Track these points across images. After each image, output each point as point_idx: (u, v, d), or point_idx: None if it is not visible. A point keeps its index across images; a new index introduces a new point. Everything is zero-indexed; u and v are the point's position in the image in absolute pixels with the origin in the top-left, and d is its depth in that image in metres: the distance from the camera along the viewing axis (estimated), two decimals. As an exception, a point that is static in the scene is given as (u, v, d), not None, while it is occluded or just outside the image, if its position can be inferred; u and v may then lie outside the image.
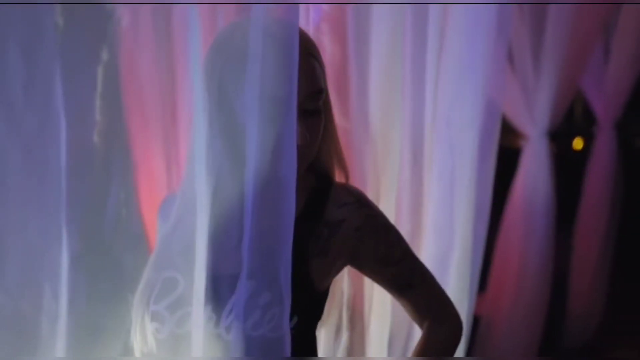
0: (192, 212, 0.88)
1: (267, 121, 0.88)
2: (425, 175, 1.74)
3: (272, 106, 0.89)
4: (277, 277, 0.92)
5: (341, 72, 1.63)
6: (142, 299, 0.98)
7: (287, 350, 0.96)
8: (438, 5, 1.71)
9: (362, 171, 1.58)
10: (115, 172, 0.80)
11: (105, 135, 0.79)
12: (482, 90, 1.79)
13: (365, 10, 1.64)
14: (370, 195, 1.43)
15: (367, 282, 1.51)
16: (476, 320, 2.29)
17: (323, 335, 1.40)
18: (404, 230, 1.66)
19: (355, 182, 1.42)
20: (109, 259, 0.81)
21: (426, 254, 1.78)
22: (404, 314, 1.32)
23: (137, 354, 0.95)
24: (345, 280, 1.42)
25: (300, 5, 1.33)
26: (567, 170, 3.47)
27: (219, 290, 0.96)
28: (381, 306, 1.54)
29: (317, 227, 1.14)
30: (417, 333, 1.42)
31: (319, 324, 1.20)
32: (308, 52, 1.06)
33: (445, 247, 1.77)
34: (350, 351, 1.43)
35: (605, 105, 3.39)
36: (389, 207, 1.58)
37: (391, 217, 1.59)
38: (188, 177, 0.97)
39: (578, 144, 5.23)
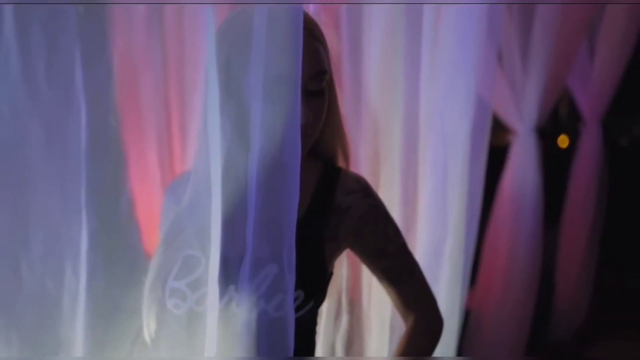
0: (206, 192, 0.88)
1: (271, 102, 0.89)
2: (420, 167, 1.78)
3: (277, 87, 0.89)
4: (281, 259, 0.93)
5: (337, 67, 1.67)
6: (160, 275, 1.00)
7: (291, 331, 0.97)
8: (431, 5, 1.75)
9: (362, 161, 1.61)
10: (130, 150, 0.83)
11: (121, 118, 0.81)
12: (474, 85, 1.83)
13: (361, 7, 1.68)
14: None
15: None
16: (466, 315, 2.32)
17: (324, 319, 1.43)
18: (399, 221, 1.70)
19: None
20: (125, 240, 0.83)
21: (420, 244, 1.82)
22: None
23: (148, 328, 0.97)
24: (344, 265, 1.45)
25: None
26: (553, 168, 3.50)
27: (229, 270, 0.97)
28: (380, 290, 1.56)
29: (327, 213, 1.17)
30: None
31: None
32: (312, 34, 1.07)
33: (439, 238, 1.81)
34: (350, 334, 1.46)
35: (591, 103, 3.43)
36: (389, 197, 1.62)
37: (392, 208, 1.63)
38: (199, 157, 0.97)
39: (563, 141, 5.29)
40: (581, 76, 3.33)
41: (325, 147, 1.22)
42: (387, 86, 1.70)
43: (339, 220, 1.18)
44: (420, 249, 1.78)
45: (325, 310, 1.45)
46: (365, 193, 1.22)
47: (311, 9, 1.64)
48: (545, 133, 3.17)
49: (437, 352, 1.84)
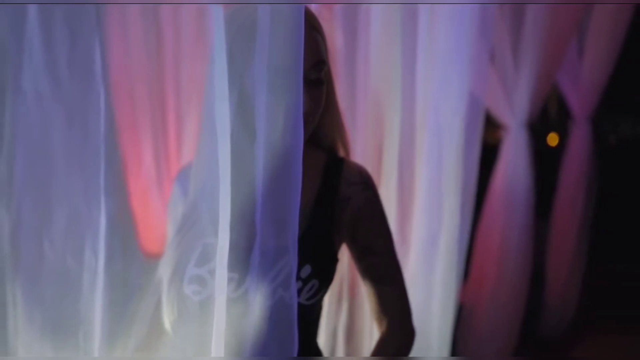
0: (218, 180, 0.89)
1: (274, 91, 0.91)
2: (416, 160, 1.82)
3: (280, 77, 0.91)
4: (286, 245, 0.94)
5: (334, 63, 1.70)
6: (180, 262, 1.01)
7: (294, 316, 0.97)
8: (427, 6, 1.79)
9: (359, 155, 1.65)
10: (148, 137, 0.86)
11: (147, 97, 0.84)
12: (467, 82, 1.88)
13: (356, 6, 1.72)
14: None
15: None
16: (459, 309, 2.35)
17: (326, 305, 1.45)
18: (396, 213, 1.74)
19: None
20: (142, 221, 0.86)
21: (416, 236, 1.86)
22: None
23: (167, 315, 0.98)
24: (344, 251, 1.47)
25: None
26: (543, 166, 3.53)
27: (244, 258, 0.97)
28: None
29: (333, 204, 1.21)
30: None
31: None
32: (311, 25, 1.11)
33: (435, 229, 1.85)
34: (351, 320, 1.48)
35: (580, 101, 3.47)
36: (387, 190, 1.65)
37: (389, 201, 1.67)
38: (205, 146, 0.99)
39: (553, 139, 5.33)
40: (570, 74, 3.37)
41: (325, 136, 1.25)
42: (384, 83, 1.74)
43: (340, 210, 1.21)
44: (416, 239, 1.83)
45: (327, 296, 1.47)
46: (366, 185, 1.24)
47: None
48: (535, 131, 3.20)
49: (432, 345, 1.89)
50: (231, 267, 0.93)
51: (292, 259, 0.95)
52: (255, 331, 0.93)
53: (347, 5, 1.78)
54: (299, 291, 1.10)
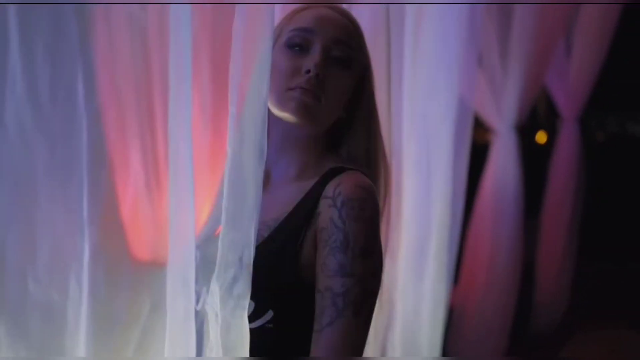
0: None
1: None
2: (404, 167, 1.81)
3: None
4: (240, 262, 0.92)
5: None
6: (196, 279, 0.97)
7: (244, 340, 0.93)
8: (413, 8, 1.78)
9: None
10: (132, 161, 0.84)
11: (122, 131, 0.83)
12: (455, 87, 1.87)
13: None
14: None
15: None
16: (450, 312, 2.34)
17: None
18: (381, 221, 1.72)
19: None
20: (126, 252, 0.85)
21: (405, 244, 1.84)
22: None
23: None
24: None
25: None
26: (531, 164, 3.54)
27: (206, 272, 0.96)
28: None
29: (306, 218, 1.07)
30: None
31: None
32: (344, 14, 1.14)
33: (424, 236, 1.84)
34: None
35: (568, 101, 3.48)
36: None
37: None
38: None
39: (541, 137, 5.35)
40: (558, 74, 3.38)
41: (352, 147, 1.15)
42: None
43: (308, 227, 1.06)
44: (405, 247, 1.82)
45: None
46: (334, 202, 1.04)
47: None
48: (524, 129, 3.20)
49: (422, 350, 1.88)
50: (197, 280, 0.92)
51: (242, 283, 0.92)
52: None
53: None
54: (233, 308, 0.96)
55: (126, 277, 0.86)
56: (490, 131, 3.01)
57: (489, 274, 3.03)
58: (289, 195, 1.11)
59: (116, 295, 0.85)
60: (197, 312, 0.96)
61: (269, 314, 1.03)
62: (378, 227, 1.07)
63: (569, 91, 3.43)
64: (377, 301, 1.05)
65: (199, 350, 0.93)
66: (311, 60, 1.08)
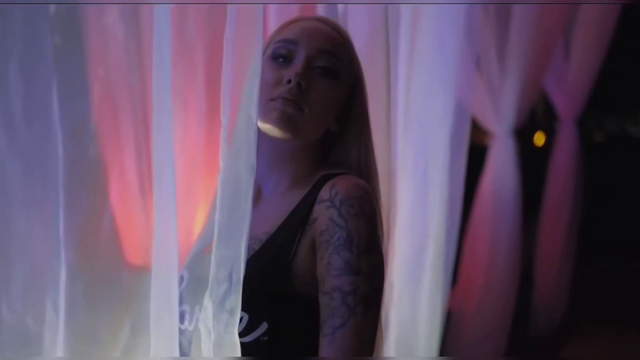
0: None
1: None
2: (398, 175, 1.78)
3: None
4: (230, 277, 0.92)
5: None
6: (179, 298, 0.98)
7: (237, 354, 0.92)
8: (409, 10, 1.75)
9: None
10: (112, 179, 0.81)
11: (102, 147, 0.80)
12: (452, 91, 1.84)
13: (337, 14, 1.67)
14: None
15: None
16: (447, 315, 2.33)
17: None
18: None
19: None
20: (106, 270, 0.82)
21: (401, 252, 1.81)
22: None
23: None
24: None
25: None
26: (529, 166, 3.52)
27: (198, 289, 0.97)
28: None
29: (300, 226, 1.05)
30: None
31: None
32: (332, 27, 1.14)
33: (420, 245, 1.81)
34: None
35: (567, 103, 3.47)
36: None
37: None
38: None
39: (540, 139, 5.33)
40: (557, 76, 3.36)
41: (344, 158, 1.13)
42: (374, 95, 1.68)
43: (303, 234, 1.04)
44: (401, 255, 1.78)
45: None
46: (332, 203, 1.02)
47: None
48: (522, 131, 3.18)
49: (419, 354, 1.86)
50: (186, 299, 0.92)
51: (234, 297, 0.92)
52: None
53: (327, 13, 1.73)
54: (226, 323, 0.95)
55: (106, 298, 0.83)
56: (488, 135, 2.99)
57: (487, 277, 3.02)
58: (281, 207, 1.09)
59: (95, 318, 0.82)
60: (186, 332, 0.96)
61: (264, 327, 1.01)
62: (377, 224, 1.06)
63: (568, 93, 3.42)
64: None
65: None
66: (293, 70, 1.07)
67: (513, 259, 3.06)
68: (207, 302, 0.92)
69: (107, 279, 0.82)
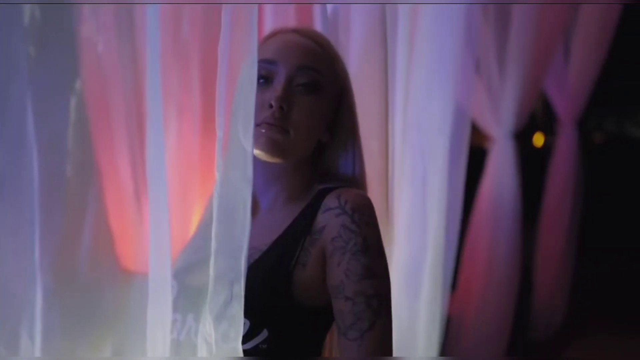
0: None
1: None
2: (396, 181, 1.73)
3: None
4: (231, 285, 0.91)
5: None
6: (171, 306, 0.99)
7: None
8: (407, 11, 1.70)
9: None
10: (90, 202, 0.77)
11: (80, 166, 0.75)
12: (452, 95, 1.80)
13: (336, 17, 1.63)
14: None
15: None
16: (447, 320, 2.30)
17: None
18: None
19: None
20: (84, 294, 0.77)
21: (399, 258, 1.77)
22: None
23: None
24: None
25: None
26: (529, 168, 3.50)
27: (190, 299, 0.97)
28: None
29: (303, 235, 1.06)
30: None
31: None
32: (312, 37, 1.12)
33: (418, 252, 1.77)
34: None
35: (567, 104, 3.44)
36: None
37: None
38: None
39: (539, 140, 5.31)
40: (557, 78, 3.34)
41: (335, 167, 1.15)
42: (361, 99, 1.64)
43: (311, 243, 1.06)
44: (399, 263, 1.74)
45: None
46: (342, 210, 1.04)
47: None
48: (521, 132, 3.15)
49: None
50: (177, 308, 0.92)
51: (235, 305, 0.92)
52: None
53: (324, 16, 1.69)
54: (226, 331, 0.95)
55: (84, 323, 0.79)
56: (487, 138, 2.96)
57: (487, 281, 3.01)
58: (280, 220, 1.10)
59: (73, 344, 0.77)
60: (179, 342, 0.96)
61: (264, 334, 1.02)
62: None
63: (568, 95, 3.40)
64: None
65: None
66: (273, 93, 1.07)
67: (513, 263, 3.04)
68: (207, 314, 0.92)
69: (85, 302, 0.77)
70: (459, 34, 1.83)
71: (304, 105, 1.08)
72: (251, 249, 0.99)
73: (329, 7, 1.53)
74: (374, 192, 1.66)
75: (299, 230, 1.07)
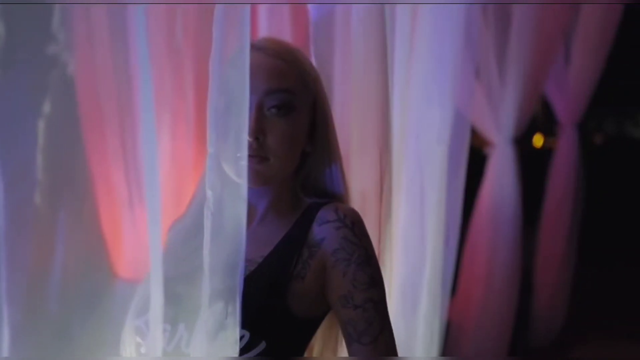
0: None
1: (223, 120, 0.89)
2: (394, 192, 1.68)
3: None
4: (227, 296, 0.92)
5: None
6: (132, 312, 1.02)
7: None
8: (406, 17, 1.65)
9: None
10: (60, 232, 0.71)
11: (49, 194, 0.69)
12: (451, 102, 1.75)
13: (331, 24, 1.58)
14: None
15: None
16: (447, 326, 2.27)
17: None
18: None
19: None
20: (55, 330, 0.72)
21: (397, 272, 1.72)
22: None
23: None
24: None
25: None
26: (527, 169, 3.48)
27: (180, 308, 0.98)
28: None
29: (299, 247, 1.08)
30: None
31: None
32: (276, 54, 1.09)
33: (416, 266, 1.72)
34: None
35: (567, 107, 3.41)
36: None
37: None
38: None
39: (538, 141, 5.29)
40: (557, 81, 3.32)
41: (318, 180, 1.16)
42: (358, 107, 1.59)
43: (309, 256, 1.08)
44: (397, 278, 1.69)
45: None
46: (342, 223, 1.08)
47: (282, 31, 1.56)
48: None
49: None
50: (166, 318, 0.91)
51: (232, 316, 0.93)
52: None
53: (319, 21, 1.64)
54: (223, 342, 0.97)
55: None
56: (487, 143, 2.92)
57: (487, 287, 2.98)
58: (273, 232, 1.12)
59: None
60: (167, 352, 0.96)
61: (262, 345, 1.03)
62: None
63: (568, 97, 3.37)
64: None
65: None
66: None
67: (513, 268, 3.01)
68: (201, 331, 0.93)
69: (56, 341, 0.72)
70: (458, 38, 1.78)
71: (279, 130, 1.08)
72: (246, 261, 1.00)
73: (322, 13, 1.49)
74: (371, 204, 1.62)
75: (295, 243, 1.09)
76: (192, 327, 0.96)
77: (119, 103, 1.27)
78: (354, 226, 1.09)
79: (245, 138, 0.95)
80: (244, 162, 0.97)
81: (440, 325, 1.81)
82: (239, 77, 0.92)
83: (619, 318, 3.82)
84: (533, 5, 2.64)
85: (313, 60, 1.63)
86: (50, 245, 0.70)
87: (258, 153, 1.06)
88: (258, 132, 1.06)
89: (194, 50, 1.43)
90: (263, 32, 1.63)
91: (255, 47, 1.10)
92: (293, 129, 1.09)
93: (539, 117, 5.09)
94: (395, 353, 1.07)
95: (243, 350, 1.00)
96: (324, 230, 1.08)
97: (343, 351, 1.25)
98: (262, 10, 1.64)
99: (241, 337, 0.99)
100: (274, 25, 1.67)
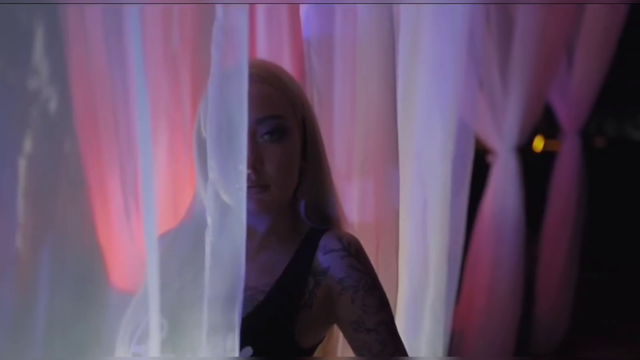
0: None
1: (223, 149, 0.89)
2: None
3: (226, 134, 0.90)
4: (232, 325, 0.91)
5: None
6: (126, 334, 1.02)
7: None
8: (408, 28, 1.61)
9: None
10: (43, 280, 0.67)
11: (32, 239, 0.65)
12: (454, 116, 1.70)
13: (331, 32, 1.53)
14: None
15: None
16: (450, 335, 2.23)
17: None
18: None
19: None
20: (48, 338, 0.69)
21: (400, 293, 1.67)
22: None
23: None
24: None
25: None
26: (528, 174, 3.45)
27: (186, 337, 0.97)
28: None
29: (305, 276, 1.10)
30: None
31: None
32: (262, 79, 1.09)
33: (419, 287, 1.68)
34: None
35: (570, 113, 3.39)
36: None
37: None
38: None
39: (539, 144, 5.25)
40: (560, 88, 3.29)
41: (315, 207, 1.17)
42: (361, 126, 1.54)
43: (316, 284, 1.10)
44: (400, 298, 1.64)
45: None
46: (347, 252, 1.11)
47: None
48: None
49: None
50: (169, 346, 0.92)
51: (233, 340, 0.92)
52: None
53: (318, 25, 1.59)
54: None
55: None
56: (490, 153, 2.88)
57: (490, 297, 2.98)
58: (275, 259, 1.13)
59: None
60: None
61: None
62: None
63: (571, 105, 3.35)
64: None
65: None
66: None
67: (516, 276, 3.01)
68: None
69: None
70: (461, 49, 1.73)
71: (275, 158, 1.08)
72: (250, 289, 1.03)
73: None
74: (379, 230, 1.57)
75: (300, 272, 1.11)
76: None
77: (115, 113, 1.24)
78: (359, 254, 1.12)
79: (243, 169, 0.93)
80: (243, 193, 0.94)
81: (444, 346, 1.76)
82: (237, 105, 0.90)
83: (622, 323, 3.81)
84: (536, 14, 2.61)
85: (310, 80, 1.59)
86: (44, 256, 0.66)
87: (258, 183, 1.07)
88: (255, 162, 1.06)
89: (191, 59, 1.39)
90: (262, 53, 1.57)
91: None
92: (289, 152, 1.10)
93: (539, 121, 5.05)
94: None
95: None
96: (329, 259, 1.11)
97: (344, 352, 1.28)
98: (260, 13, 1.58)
99: None
100: (273, 46, 1.62)
